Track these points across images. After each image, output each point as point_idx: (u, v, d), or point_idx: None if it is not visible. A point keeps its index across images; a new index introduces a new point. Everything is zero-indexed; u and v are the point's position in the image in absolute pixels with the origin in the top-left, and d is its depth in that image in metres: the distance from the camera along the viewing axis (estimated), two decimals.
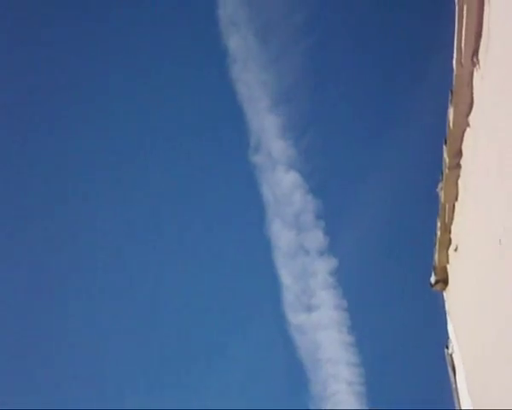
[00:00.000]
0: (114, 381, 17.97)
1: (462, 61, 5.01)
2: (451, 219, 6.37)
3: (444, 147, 5.82)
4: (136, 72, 17.66)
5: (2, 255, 18.25)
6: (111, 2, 17.73)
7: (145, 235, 18.48)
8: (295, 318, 17.43)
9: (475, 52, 4.92)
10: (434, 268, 7.00)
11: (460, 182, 5.95)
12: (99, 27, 17.36)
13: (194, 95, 17.61)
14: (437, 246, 6.77)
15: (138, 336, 18.24)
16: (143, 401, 16.76)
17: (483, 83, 4.93)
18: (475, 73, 5.05)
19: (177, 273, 18.47)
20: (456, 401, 6.96)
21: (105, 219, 18.20)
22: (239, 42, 16.61)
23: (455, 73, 5.13)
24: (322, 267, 17.14)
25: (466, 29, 4.79)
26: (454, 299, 6.86)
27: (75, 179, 18.11)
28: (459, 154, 5.75)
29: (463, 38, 4.86)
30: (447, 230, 6.51)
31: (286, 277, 17.54)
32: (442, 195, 6.22)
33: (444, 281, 6.99)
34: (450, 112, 5.44)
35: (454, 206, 6.24)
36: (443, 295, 7.16)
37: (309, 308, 17.28)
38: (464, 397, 6.63)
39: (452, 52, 5.06)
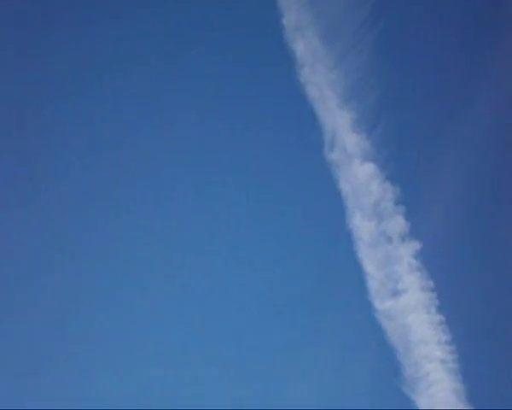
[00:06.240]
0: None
1: None
2: None
3: None
4: (197, 93, 18.20)
5: None
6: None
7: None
8: (382, 304, 17.88)
9: None
10: None
11: None
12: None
13: (268, 102, 18.38)
14: None
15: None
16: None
17: None
18: None
19: (260, 264, 18.78)
20: None
21: None
22: (305, 46, 17.48)
23: None
24: (406, 252, 17.59)
25: None
26: None
27: None
28: None
29: None
30: None
31: (370, 266, 18.03)
32: None
33: None
34: None
35: None
36: None
37: (395, 293, 17.76)
38: None
39: None
